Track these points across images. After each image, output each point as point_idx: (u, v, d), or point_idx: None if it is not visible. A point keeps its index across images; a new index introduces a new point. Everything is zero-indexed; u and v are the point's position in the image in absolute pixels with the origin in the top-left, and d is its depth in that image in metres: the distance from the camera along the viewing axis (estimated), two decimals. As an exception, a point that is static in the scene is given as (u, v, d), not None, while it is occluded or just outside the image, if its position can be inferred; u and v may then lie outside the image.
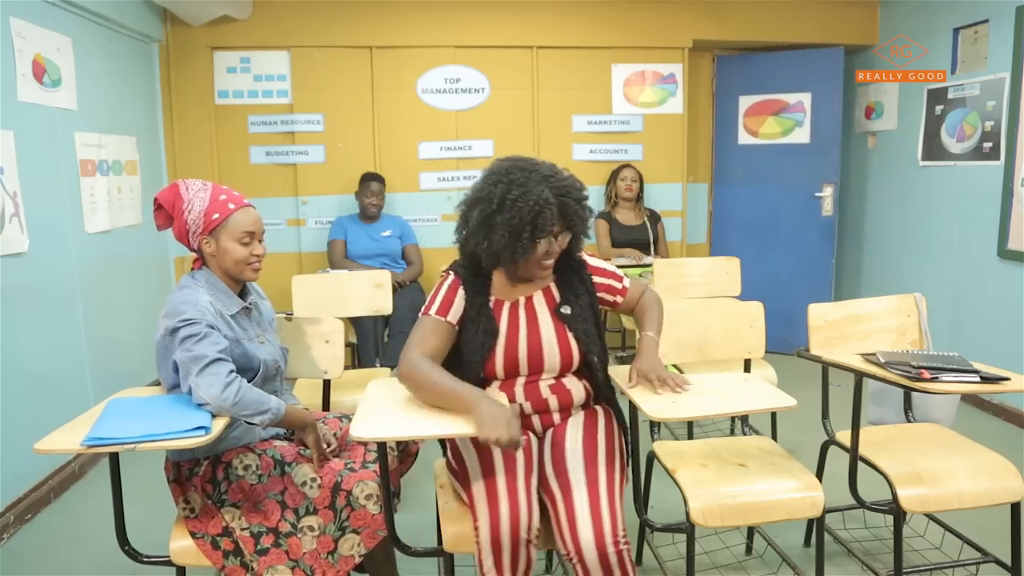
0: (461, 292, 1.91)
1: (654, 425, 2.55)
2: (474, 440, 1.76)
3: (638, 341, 2.00)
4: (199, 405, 1.72)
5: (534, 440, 1.89)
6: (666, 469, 2.11)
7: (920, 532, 2.57)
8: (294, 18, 4.45)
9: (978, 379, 1.92)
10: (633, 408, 2.02)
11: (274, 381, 1.99)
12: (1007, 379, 1.93)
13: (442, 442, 1.99)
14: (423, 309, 1.92)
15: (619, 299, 2.05)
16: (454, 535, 1.78)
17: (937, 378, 1.91)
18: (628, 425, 2.00)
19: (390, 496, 1.78)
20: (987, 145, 3.88)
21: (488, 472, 1.76)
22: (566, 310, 1.93)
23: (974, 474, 2.07)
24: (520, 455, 1.79)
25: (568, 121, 4.80)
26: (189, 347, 1.74)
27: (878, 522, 2.66)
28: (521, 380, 1.91)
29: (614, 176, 4.61)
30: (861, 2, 4.83)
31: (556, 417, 1.92)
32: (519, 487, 1.73)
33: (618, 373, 2.01)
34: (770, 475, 2.05)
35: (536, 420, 1.91)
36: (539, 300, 1.96)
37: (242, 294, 2.00)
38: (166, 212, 1.93)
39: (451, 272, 1.96)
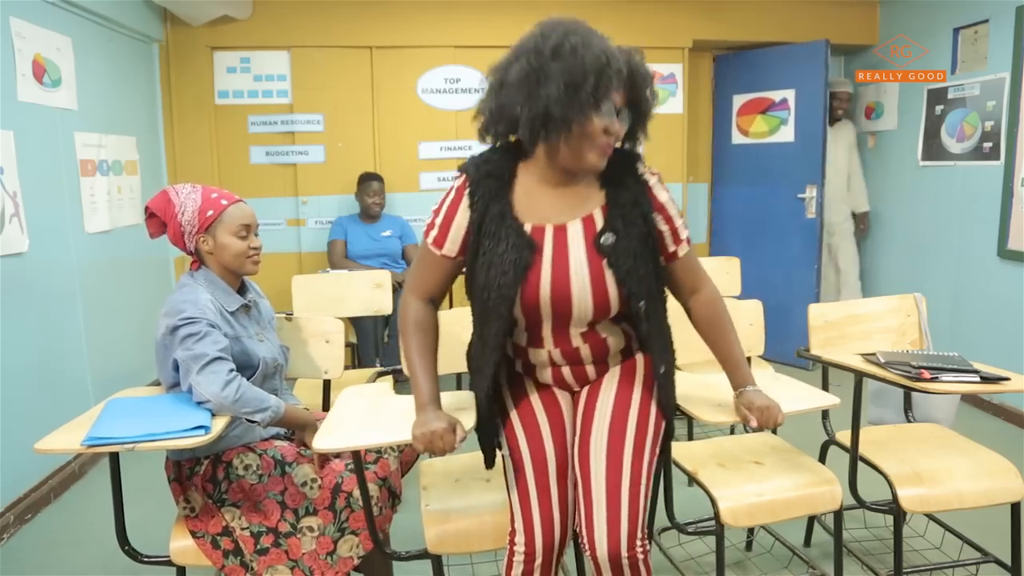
0: (465, 203, 1.52)
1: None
2: (509, 440, 1.64)
3: (741, 393, 1.69)
4: (199, 403, 1.72)
5: (566, 406, 1.68)
6: (685, 471, 2.10)
7: (920, 532, 2.57)
8: (294, 18, 4.44)
9: (978, 379, 1.92)
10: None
11: (273, 379, 1.99)
12: (1007, 379, 1.93)
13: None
14: (426, 227, 1.60)
15: (666, 262, 1.65)
16: (436, 537, 1.77)
17: (937, 378, 1.91)
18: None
19: (370, 504, 1.76)
20: (987, 145, 3.87)
21: (521, 475, 1.59)
22: (608, 239, 1.48)
23: (974, 474, 2.07)
24: (551, 450, 1.60)
25: (568, 121, 4.78)
26: (190, 346, 1.75)
27: (878, 522, 2.66)
28: (547, 326, 1.58)
29: None
30: (861, 2, 4.83)
31: (590, 371, 1.66)
32: (552, 498, 1.57)
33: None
34: (788, 471, 2.07)
35: (568, 373, 1.65)
36: (575, 230, 1.50)
37: (241, 292, 2.00)
38: (159, 219, 1.94)
39: (461, 172, 1.55)
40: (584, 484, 1.56)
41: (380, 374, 2.70)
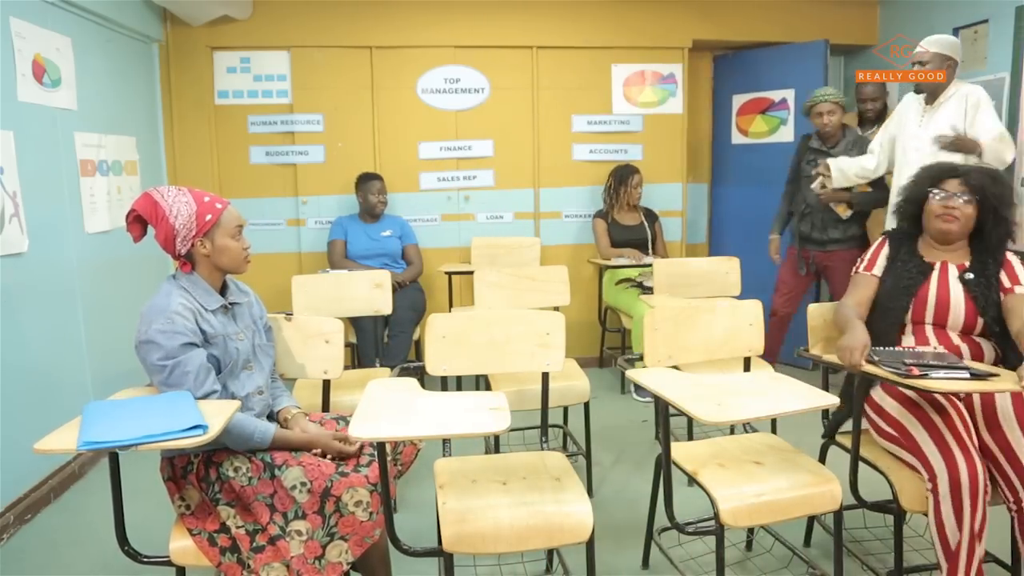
0: (886, 248, 2.39)
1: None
2: (907, 403, 2.11)
3: None
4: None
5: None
6: (685, 472, 2.10)
7: (920, 532, 2.57)
8: (294, 18, 4.45)
9: (968, 376, 1.91)
10: (666, 413, 2.02)
11: (237, 376, 1.98)
12: (996, 375, 1.93)
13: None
14: (855, 269, 2.44)
15: (1003, 295, 2.21)
16: (453, 535, 1.78)
17: (926, 375, 1.91)
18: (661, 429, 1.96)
19: (389, 495, 1.77)
20: (987, 145, 3.86)
21: (933, 431, 2.01)
22: (969, 276, 2.23)
23: (974, 474, 2.06)
24: (955, 415, 2.04)
25: (568, 121, 4.80)
26: (165, 381, 1.81)
27: (878, 522, 2.66)
28: (928, 327, 2.24)
29: (623, 181, 4.54)
30: (861, 2, 4.83)
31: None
32: (967, 443, 1.96)
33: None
34: (788, 471, 2.07)
35: None
36: (953, 268, 2.27)
37: (222, 292, 2.03)
38: (142, 223, 1.94)
39: (883, 235, 2.45)
40: (1006, 451, 2.02)
41: (403, 371, 2.68)
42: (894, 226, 2.48)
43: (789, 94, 4.77)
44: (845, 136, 3.98)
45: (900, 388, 2.10)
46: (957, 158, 3.16)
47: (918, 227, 2.39)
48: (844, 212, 3.91)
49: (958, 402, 2.10)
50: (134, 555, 1.81)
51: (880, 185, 3.82)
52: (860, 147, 3.85)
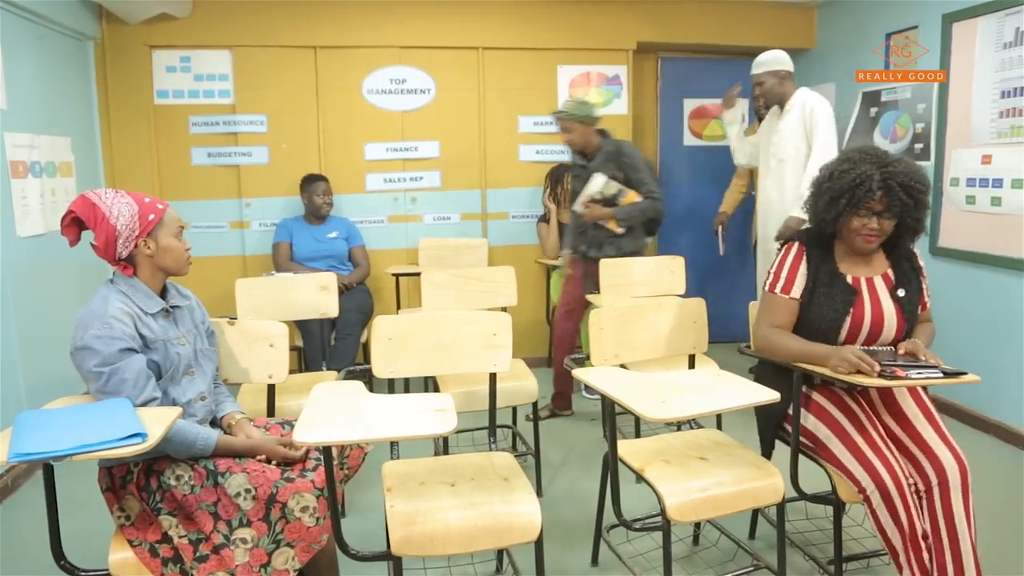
0: (804, 261, 2.21)
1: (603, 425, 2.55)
2: (823, 416, 2.13)
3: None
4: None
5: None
6: (632, 469, 2.13)
7: (858, 521, 2.65)
8: (236, 17, 4.36)
9: (940, 375, 1.93)
10: (612, 411, 2.04)
11: (180, 382, 1.94)
12: (964, 372, 1.93)
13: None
14: (768, 286, 2.23)
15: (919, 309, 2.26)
16: (402, 538, 1.77)
17: (907, 376, 1.94)
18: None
19: (335, 499, 1.76)
20: (918, 146, 4.02)
21: (849, 442, 2.04)
22: (901, 293, 2.19)
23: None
24: (863, 417, 2.10)
25: (514, 122, 4.81)
26: (102, 390, 1.76)
27: (819, 513, 2.73)
28: (857, 346, 2.15)
29: (559, 180, 4.57)
30: (799, 6, 4.97)
31: None
32: (882, 448, 2.02)
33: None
34: (732, 466, 2.11)
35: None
36: (879, 282, 2.20)
37: (162, 296, 1.98)
38: (79, 225, 1.88)
39: (795, 241, 2.25)
40: (911, 433, 2.10)
41: (350, 374, 2.65)
42: (805, 217, 2.31)
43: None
44: (603, 148, 3.68)
45: (816, 401, 2.18)
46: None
47: (833, 229, 2.21)
48: (616, 227, 3.66)
49: (864, 403, 2.17)
50: (71, 569, 1.75)
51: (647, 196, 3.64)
52: (616, 160, 3.63)
